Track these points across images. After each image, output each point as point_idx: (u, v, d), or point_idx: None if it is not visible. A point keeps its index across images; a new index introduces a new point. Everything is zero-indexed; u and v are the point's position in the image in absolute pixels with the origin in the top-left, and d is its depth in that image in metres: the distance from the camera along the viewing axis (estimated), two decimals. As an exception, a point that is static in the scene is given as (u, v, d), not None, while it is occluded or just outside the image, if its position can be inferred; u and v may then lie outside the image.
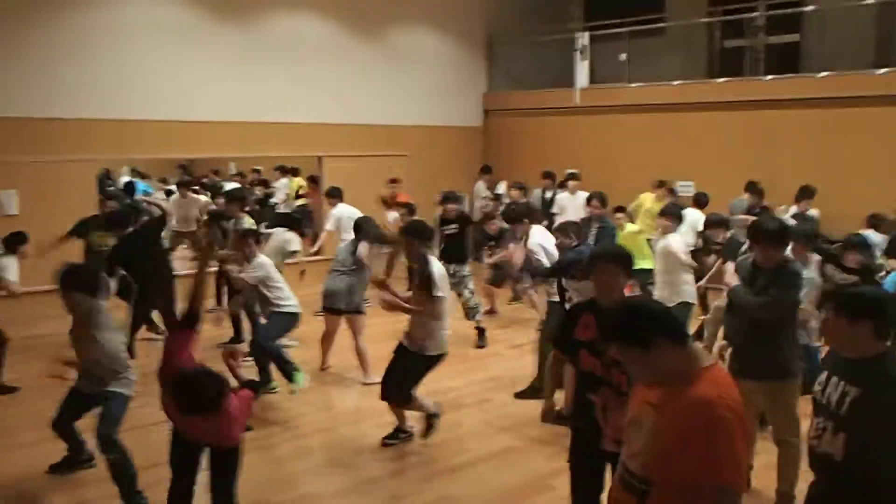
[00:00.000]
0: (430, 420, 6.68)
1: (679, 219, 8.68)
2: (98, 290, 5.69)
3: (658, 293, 8.11)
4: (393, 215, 12.13)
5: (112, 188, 16.84)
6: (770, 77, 13.58)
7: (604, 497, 4.47)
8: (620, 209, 10.73)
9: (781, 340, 5.30)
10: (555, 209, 13.17)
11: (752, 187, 11.93)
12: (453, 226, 10.66)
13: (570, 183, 13.15)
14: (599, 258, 4.51)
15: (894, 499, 3.39)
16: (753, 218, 8.02)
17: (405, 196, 12.75)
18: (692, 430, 2.88)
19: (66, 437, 6.07)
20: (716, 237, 9.22)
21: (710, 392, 2.92)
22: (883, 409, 3.33)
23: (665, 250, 8.19)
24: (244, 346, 8.71)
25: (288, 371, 7.51)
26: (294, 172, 17.74)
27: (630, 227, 10.36)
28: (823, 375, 3.60)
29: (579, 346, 4.41)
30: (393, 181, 13.20)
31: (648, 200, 12.37)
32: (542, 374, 8.03)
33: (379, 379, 8.27)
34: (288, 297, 7.88)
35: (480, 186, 15.49)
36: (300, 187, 17.05)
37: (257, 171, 19.53)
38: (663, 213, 8.59)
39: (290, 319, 7.86)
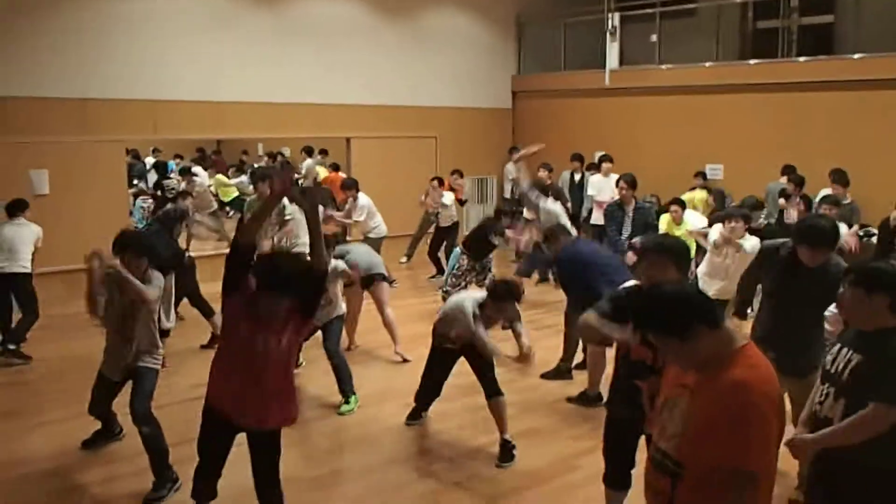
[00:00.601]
0: None
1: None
2: (157, 258, 5.74)
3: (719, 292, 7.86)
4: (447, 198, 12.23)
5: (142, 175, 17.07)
6: (803, 59, 13.42)
7: (635, 473, 4.53)
8: (678, 202, 10.40)
9: (814, 338, 5.18)
10: (590, 191, 13.11)
11: (789, 171, 11.79)
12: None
13: (605, 165, 12.98)
14: (649, 250, 4.38)
15: (887, 466, 3.45)
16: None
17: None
18: (724, 414, 2.85)
19: (103, 418, 6.18)
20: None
21: (744, 376, 2.88)
22: (878, 376, 3.41)
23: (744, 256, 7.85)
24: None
25: (347, 391, 7.26)
26: (323, 153, 17.81)
27: (689, 225, 10.00)
28: (836, 348, 3.67)
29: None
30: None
31: (695, 200, 12.06)
32: (569, 356, 8.07)
33: (409, 356, 8.36)
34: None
35: (510, 168, 15.47)
36: (322, 174, 17.09)
37: (281, 155, 19.62)
38: (733, 216, 8.21)
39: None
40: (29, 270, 8.52)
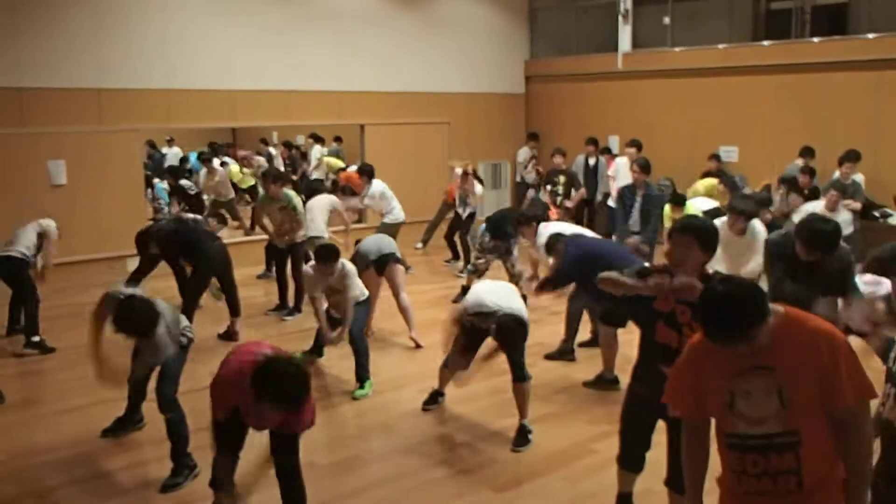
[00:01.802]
0: None
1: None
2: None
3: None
4: (479, 189, 12.39)
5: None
6: (817, 39, 13.33)
7: (649, 456, 4.56)
8: (676, 199, 10.46)
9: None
10: (610, 172, 13.11)
11: (806, 154, 11.80)
12: None
13: (629, 150, 12.75)
14: (674, 229, 4.27)
15: None
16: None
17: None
18: (823, 360, 2.92)
19: (136, 396, 6.23)
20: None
21: (814, 323, 2.99)
22: None
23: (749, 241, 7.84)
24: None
25: (363, 375, 7.35)
26: (337, 140, 17.84)
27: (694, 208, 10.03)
28: None
29: (657, 316, 4.22)
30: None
31: (700, 188, 12.04)
32: (571, 336, 8.13)
33: (423, 342, 8.40)
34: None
35: (525, 151, 15.56)
36: (336, 167, 17.11)
37: (287, 144, 19.66)
38: (735, 211, 8.13)
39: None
40: (21, 257, 8.44)
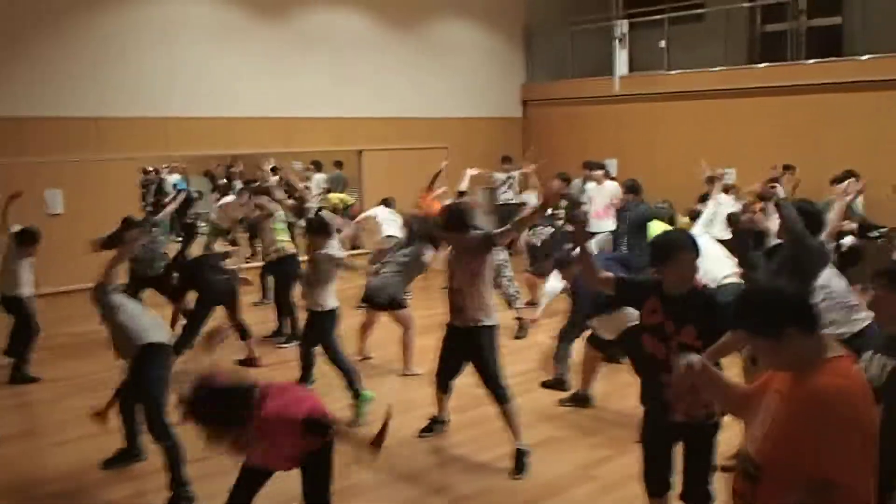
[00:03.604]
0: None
1: None
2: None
3: None
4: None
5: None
6: (812, 61, 13.40)
7: (673, 480, 4.50)
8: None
9: None
10: (584, 199, 13.07)
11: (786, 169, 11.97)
12: None
13: (596, 174, 12.66)
14: (674, 247, 4.28)
15: None
16: None
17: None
18: (803, 418, 2.80)
19: (130, 432, 6.16)
20: None
21: (831, 382, 2.80)
22: None
23: None
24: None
25: (356, 389, 7.29)
26: (338, 164, 17.75)
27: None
28: (867, 354, 3.56)
29: (642, 329, 4.37)
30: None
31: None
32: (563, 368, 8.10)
33: (420, 371, 8.36)
34: None
35: (500, 175, 15.27)
36: (343, 203, 17.13)
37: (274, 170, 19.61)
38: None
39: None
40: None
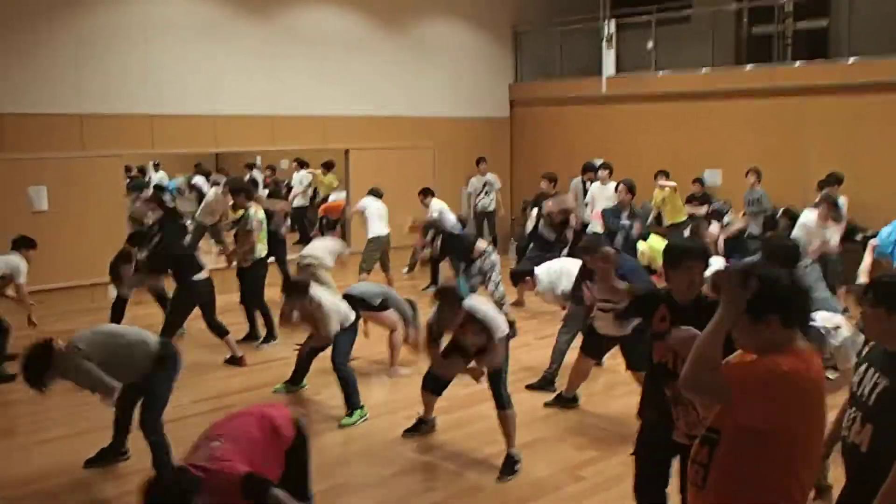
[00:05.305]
0: None
1: None
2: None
3: None
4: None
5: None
6: (799, 63, 13.43)
7: (669, 492, 4.43)
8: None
9: None
10: (587, 199, 13.09)
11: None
12: None
13: (601, 173, 12.82)
14: (683, 254, 4.35)
15: None
16: None
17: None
18: (753, 376, 2.92)
19: (122, 427, 6.12)
20: None
21: (785, 358, 2.92)
22: None
23: None
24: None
25: (353, 403, 7.24)
26: (326, 166, 17.60)
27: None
28: (863, 367, 3.54)
29: (654, 337, 4.37)
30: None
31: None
32: (555, 368, 8.07)
33: (406, 372, 8.33)
34: None
35: (477, 179, 15.00)
36: (330, 186, 17.10)
37: (271, 168, 19.58)
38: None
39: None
40: None
